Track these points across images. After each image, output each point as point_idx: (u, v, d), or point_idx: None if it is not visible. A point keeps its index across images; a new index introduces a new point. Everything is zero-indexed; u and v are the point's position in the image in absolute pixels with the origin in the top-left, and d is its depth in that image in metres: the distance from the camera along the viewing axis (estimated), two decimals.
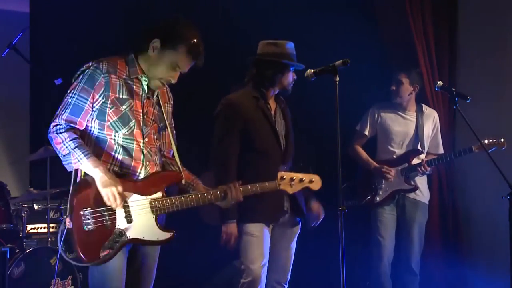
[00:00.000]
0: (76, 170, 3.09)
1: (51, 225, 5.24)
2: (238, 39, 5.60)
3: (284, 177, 3.44)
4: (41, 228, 5.31)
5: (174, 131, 3.36)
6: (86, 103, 3.07)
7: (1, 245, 4.74)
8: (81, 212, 2.99)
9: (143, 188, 3.11)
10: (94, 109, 3.09)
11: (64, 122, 3.06)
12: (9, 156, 5.95)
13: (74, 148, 3.02)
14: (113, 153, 3.11)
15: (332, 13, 5.52)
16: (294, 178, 3.46)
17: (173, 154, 3.36)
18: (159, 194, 3.14)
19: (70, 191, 3.04)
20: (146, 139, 3.17)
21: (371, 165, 5.05)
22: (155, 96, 3.26)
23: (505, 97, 5.56)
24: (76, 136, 3.06)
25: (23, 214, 4.91)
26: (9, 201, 4.91)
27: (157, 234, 3.13)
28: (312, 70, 3.61)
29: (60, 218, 5.24)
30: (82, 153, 3.02)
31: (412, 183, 5.03)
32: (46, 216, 5.18)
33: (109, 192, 2.99)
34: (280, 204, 3.93)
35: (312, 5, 5.76)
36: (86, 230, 2.98)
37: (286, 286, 4.10)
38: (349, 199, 5.06)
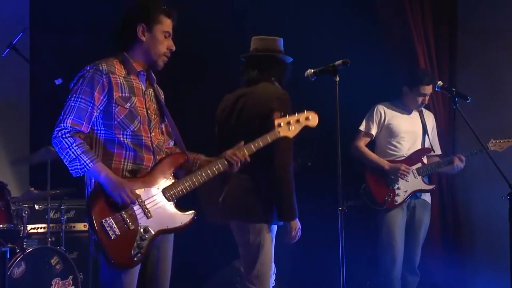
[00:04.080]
0: (86, 177, 3.13)
1: (51, 225, 5.24)
2: (238, 39, 5.60)
3: (281, 123, 3.39)
4: (41, 228, 5.31)
5: (172, 120, 3.38)
6: (89, 105, 3.09)
7: (1, 245, 4.74)
8: (102, 223, 2.99)
9: (152, 180, 3.15)
10: (98, 111, 3.11)
11: (69, 126, 3.06)
12: (9, 156, 5.94)
13: (81, 154, 3.03)
14: (124, 151, 3.14)
15: (332, 13, 5.52)
16: (290, 121, 3.41)
17: (173, 144, 3.41)
18: (169, 182, 3.18)
19: (86, 203, 3.06)
20: (153, 133, 3.22)
21: (384, 165, 4.95)
22: (153, 89, 3.31)
23: (505, 97, 5.57)
24: (82, 141, 3.07)
25: (23, 214, 4.90)
26: (10, 201, 4.91)
27: (180, 219, 3.17)
28: (312, 70, 3.61)
29: (61, 218, 5.24)
30: (88, 158, 3.03)
31: (430, 183, 5.03)
32: (47, 216, 5.18)
33: (120, 194, 3.02)
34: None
35: (312, 5, 5.76)
36: (112, 238, 2.99)
37: (274, 282, 4.07)
38: (365, 200, 5.00)
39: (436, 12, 5.67)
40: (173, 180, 3.19)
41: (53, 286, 4.80)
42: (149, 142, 3.19)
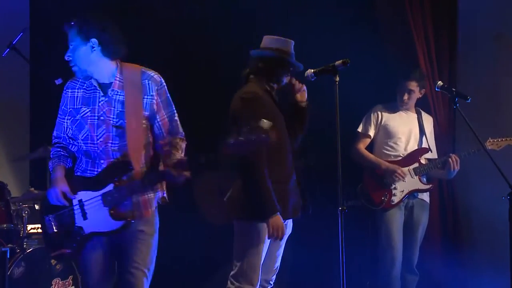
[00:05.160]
0: None
1: None
2: (238, 39, 5.60)
3: None
4: (41, 228, 5.30)
5: (166, 120, 3.45)
6: (61, 118, 3.51)
7: (1, 245, 4.74)
8: (46, 218, 3.44)
9: (95, 184, 3.35)
10: (68, 122, 3.48)
11: (53, 138, 3.56)
12: (10, 156, 5.94)
13: (51, 160, 3.50)
14: (78, 158, 3.48)
15: (332, 13, 5.52)
16: None
17: (167, 139, 3.51)
18: (110, 187, 3.32)
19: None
20: (101, 139, 3.37)
21: (382, 165, 4.96)
22: (111, 93, 3.42)
23: (505, 97, 5.57)
24: (58, 149, 3.51)
25: (23, 214, 4.90)
26: (10, 201, 4.91)
27: (111, 224, 3.33)
28: (312, 70, 3.61)
29: None
30: (52, 162, 3.48)
31: (428, 183, 5.04)
32: None
33: (52, 193, 3.38)
34: (299, 198, 3.87)
35: (312, 5, 5.76)
36: (51, 233, 3.42)
37: (272, 284, 4.05)
38: (362, 200, 5.02)
39: (436, 12, 5.67)
40: (114, 186, 3.32)
41: (53, 286, 4.80)
42: (95, 148, 3.38)
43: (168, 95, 3.47)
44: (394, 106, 5.12)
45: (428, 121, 5.20)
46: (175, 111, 3.50)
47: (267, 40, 3.95)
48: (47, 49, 5.77)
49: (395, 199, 4.94)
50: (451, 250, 5.54)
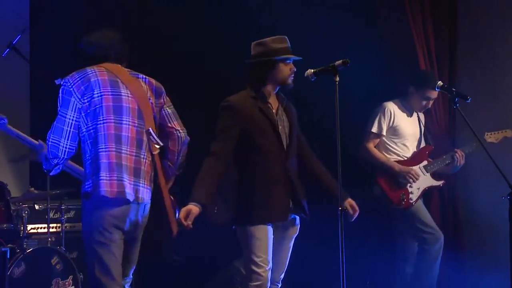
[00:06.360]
0: None
1: (51, 225, 5.24)
2: (238, 39, 5.60)
3: None
4: (41, 228, 5.31)
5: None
6: None
7: (1, 245, 4.74)
8: None
9: None
10: None
11: None
12: (9, 156, 5.94)
13: None
14: None
15: (332, 13, 5.52)
16: None
17: None
18: None
19: None
20: None
21: (395, 167, 4.97)
22: None
23: (505, 97, 5.57)
24: None
25: (23, 214, 4.90)
26: (10, 201, 4.90)
27: None
28: (312, 70, 3.61)
29: (61, 218, 5.24)
30: None
31: (440, 179, 5.09)
32: (47, 216, 5.18)
33: None
34: (287, 203, 3.90)
35: (312, 5, 5.76)
36: None
37: (279, 285, 4.06)
38: (383, 202, 5.04)
39: (436, 12, 5.67)
40: None
41: (53, 286, 4.81)
42: None
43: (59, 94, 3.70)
44: (403, 105, 5.12)
45: (422, 116, 5.25)
46: (59, 112, 3.69)
47: (251, 47, 3.97)
48: (47, 49, 5.77)
49: (413, 197, 4.98)
50: (451, 250, 5.54)
